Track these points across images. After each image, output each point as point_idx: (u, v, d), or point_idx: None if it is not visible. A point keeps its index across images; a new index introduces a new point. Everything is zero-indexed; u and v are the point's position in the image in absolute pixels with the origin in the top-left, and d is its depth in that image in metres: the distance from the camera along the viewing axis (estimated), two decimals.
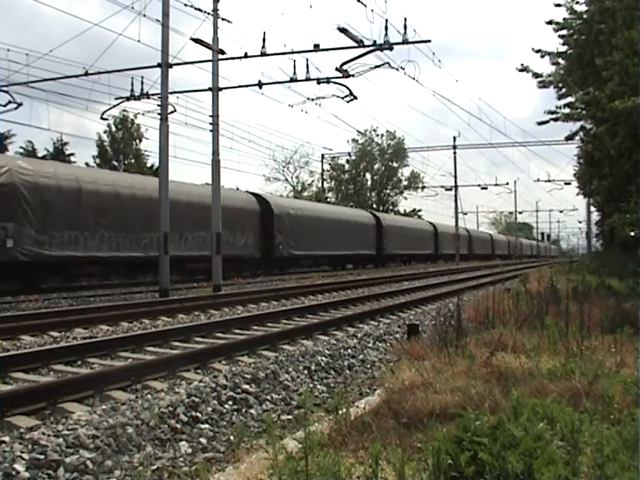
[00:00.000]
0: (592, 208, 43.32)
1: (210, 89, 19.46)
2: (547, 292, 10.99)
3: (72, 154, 47.08)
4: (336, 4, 31.02)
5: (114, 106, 21.14)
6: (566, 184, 47.06)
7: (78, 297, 16.13)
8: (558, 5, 17.99)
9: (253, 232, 27.34)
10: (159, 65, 17.74)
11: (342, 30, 16.49)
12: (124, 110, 30.29)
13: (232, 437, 4.53)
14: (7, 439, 4.03)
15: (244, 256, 26.48)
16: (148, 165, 49.61)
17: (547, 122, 19.40)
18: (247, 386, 5.82)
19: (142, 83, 20.35)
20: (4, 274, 16.89)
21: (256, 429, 4.86)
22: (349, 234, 36.42)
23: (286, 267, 31.12)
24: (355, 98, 19.49)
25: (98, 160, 49.90)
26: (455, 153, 45.95)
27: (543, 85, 18.39)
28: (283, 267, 31.00)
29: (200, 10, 18.29)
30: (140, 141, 50.41)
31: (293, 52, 18.83)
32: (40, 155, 43.89)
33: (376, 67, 17.86)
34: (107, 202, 19.54)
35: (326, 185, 62.38)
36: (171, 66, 18.00)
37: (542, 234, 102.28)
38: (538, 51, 18.90)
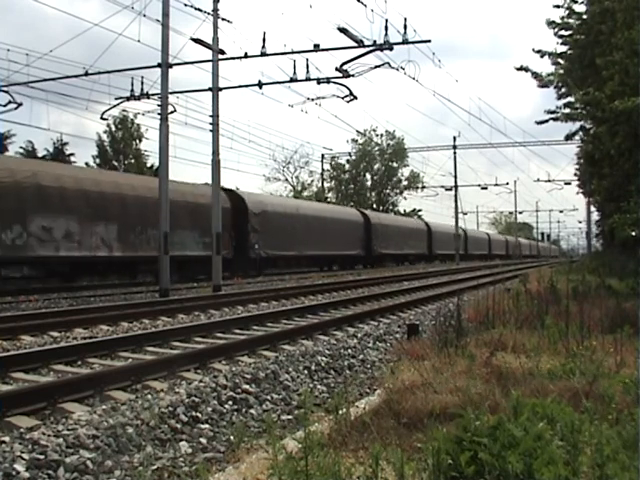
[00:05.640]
0: (592, 208, 43.39)
1: (210, 89, 19.46)
2: (547, 292, 10.98)
3: (72, 154, 47.10)
4: (336, 4, 31.02)
5: (114, 106, 21.17)
6: (566, 184, 47.14)
7: (78, 297, 16.12)
8: (557, 6, 18.03)
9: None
10: (159, 65, 17.74)
11: (342, 30, 16.49)
12: (124, 110, 30.32)
13: (232, 437, 4.53)
14: (7, 439, 4.02)
15: None
16: (148, 165, 49.62)
17: (547, 121, 19.48)
18: (247, 386, 5.82)
19: (142, 83, 20.38)
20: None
21: (256, 429, 4.86)
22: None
23: None
24: (355, 98, 19.50)
25: (98, 160, 49.90)
26: (455, 153, 45.96)
27: (543, 85, 18.41)
28: None
29: (200, 10, 18.34)
30: (140, 141, 50.44)
31: (293, 52, 18.84)
32: (40, 155, 43.89)
33: (376, 67, 17.87)
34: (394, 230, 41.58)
35: (326, 185, 62.43)
36: (171, 66, 18.01)
37: (542, 234, 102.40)
38: (538, 51, 18.93)
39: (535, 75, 18.30)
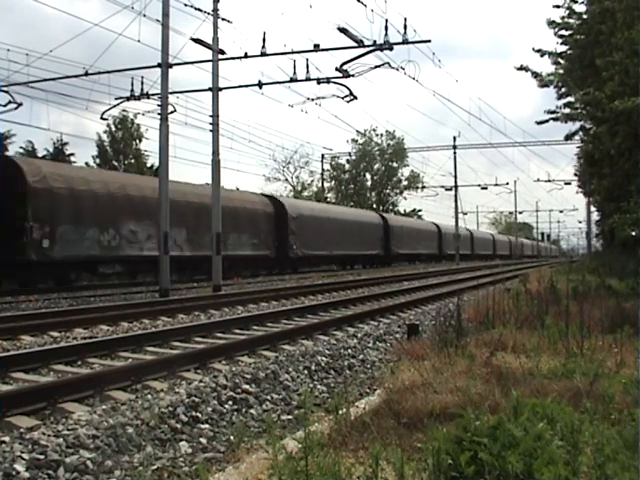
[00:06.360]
0: (592, 208, 43.40)
1: (210, 89, 19.46)
2: (547, 292, 10.97)
3: (72, 154, 47.07)
4: (336, 4, 31.00)
5: (114, 106, 21.18)
6: (566, 184, 47.19)
7: (78, 297, 16.12)
8: (557, 6, 18.02)
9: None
10: (159, 65, 17.74)
11: (342, 30, 16.49)
12: (124, 110, 30.34)
13: (232, 437, 4.53)
14: (7, 439, 4.02)
15: None
16: (148, 165, 49.59)
17: (547, 121, 19.44)
18: (247, 386, 5.82)
19: (142, 83, 20.39)
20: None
21: (256, 429, 4.86)
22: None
23: None
24: (355, 98, 19.50)
25: (98, 160, 49.87)
26: (455, 153, 45.93)
27: (543, 84, 18.40)
28: None
29: (200, 10, 18.34)
30: (140, 141, 50.42)
31: (293, 52, 18.85)
32: (40, 155, 43.86)
33: (376, 67, 17.87)
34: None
35: (326, 185, 62.41)
36: (171, 66, 18.00)
37: (542, 234, 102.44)
38: (538, 50, 18.91)
39: (535, 75, 18.29)
